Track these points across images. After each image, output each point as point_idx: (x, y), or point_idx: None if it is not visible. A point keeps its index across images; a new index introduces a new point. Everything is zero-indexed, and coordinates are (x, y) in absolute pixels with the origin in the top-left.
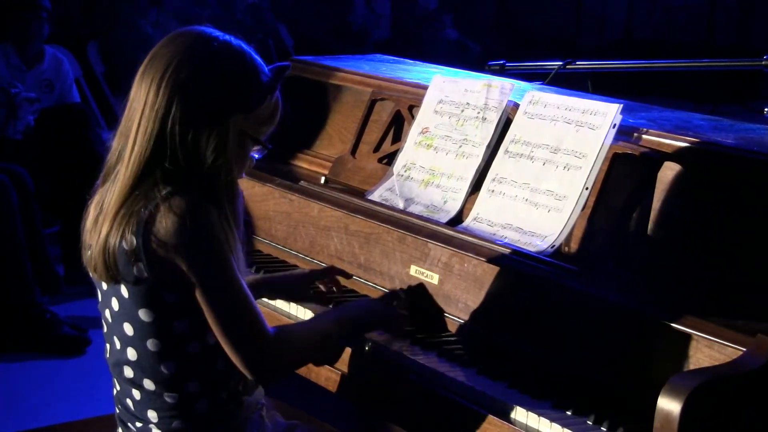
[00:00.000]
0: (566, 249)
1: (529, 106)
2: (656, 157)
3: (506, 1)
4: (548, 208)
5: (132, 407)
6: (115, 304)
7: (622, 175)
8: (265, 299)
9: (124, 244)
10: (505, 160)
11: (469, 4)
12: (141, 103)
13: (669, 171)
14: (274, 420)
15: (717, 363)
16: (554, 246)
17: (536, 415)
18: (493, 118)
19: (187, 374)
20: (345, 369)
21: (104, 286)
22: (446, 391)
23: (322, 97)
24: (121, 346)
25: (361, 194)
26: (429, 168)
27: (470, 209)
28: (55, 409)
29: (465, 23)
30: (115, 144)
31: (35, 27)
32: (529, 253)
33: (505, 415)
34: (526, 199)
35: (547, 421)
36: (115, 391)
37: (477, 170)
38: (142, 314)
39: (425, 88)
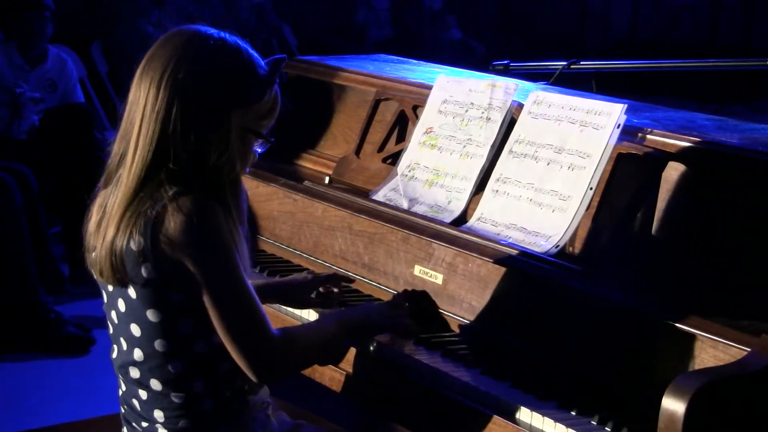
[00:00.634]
0: (570, 249)
1: (534, 106)
2: (661, 157)
3: (510, 2)
4: (552, 208)
5: (138, 407)
6: (121, 305)
7: (627, 175)
8: None
9: (132, 245)
10: (510, 160)
11: (474, 5)
12: (141, 106)
13: (673, 171)
14: (279, 419)
15: (721, 363)
16: (558, 246)
17: (541, 416)
18: (498, 118)
19: (193, 374)
20: (350, 369)
21: (110, 288)
22: (450, 391)
23: (326, 97)
24: (127, 347)
25: (366, 194)
26: (433, 168)
27: (474, 209)
28: (59, 408)
29: (469, 23)
30: (116, 148)
31: (39, 27)
32: (533, 253)
33: (509, 415)
34: (531, 199)
35: (552, 421)
36: (120, 392)
37: (481, 170)
38: (150, 315)
39: (429, 88)
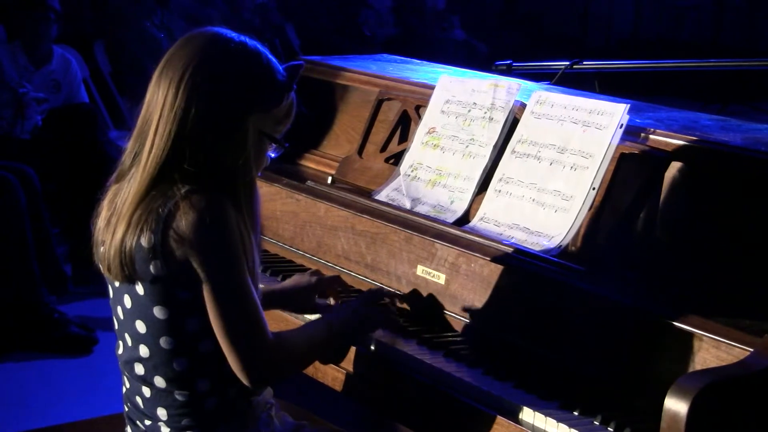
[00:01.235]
0: (573, 249)
1: (536, 106)
2: (663, 157)
3: (514, 2)
4: (555, 208)
5: (141, 405)
6: (127, 301)
7: (629, 175)
8: None
9: (142, 241)
10: (512, 160)
11: (477, 5)
12: (159, 105)
13: (676, 171)
14: (282, 420)
15: (724, 363)
16: (561, 246)
17: (543, 416)
18: (500, 118)
19: (198, 372)
20: (351, 369)
21: (116, 283)
22: (453, 391)
23: (329, 97)
24: (132, 343)
25: (368, 194)
26: (436, 168)
27: (477, 209)
28: (62, 408)
29: (472, 24)
30: (131, 146)
31: (43, 27)
32: (535, 253)
33: (511, 415)
34: (533, 199)
35: (554, 421)
36: (124, 389)
37: (484, 170)
38: (157, 312)
39: (432, 88)
